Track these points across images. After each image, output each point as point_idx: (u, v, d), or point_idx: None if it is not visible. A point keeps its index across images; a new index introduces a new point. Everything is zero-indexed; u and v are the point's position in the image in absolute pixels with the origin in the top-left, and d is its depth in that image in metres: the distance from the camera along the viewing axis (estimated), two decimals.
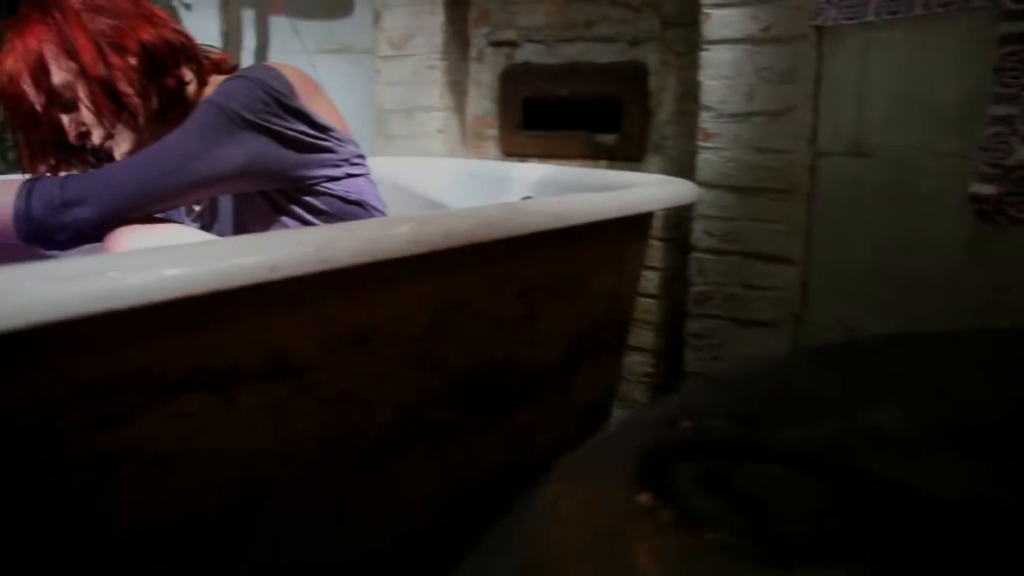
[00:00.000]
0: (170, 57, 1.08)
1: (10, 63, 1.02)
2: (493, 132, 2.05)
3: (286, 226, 1.10)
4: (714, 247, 1.65)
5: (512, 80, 1.98)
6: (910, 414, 0.36)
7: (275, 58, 2.19)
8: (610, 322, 1.33)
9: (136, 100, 1.05)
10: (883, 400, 0.38)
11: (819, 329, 1.55)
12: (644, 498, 0.29)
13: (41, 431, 0.56)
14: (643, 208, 1.12)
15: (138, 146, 1.07)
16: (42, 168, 1.08)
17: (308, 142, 1.06)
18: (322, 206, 1.11)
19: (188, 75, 1.11)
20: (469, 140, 2.10)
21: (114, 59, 1.03)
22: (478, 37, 2.04)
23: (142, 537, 0.68)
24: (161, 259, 0.54)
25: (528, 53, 1.96)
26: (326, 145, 1.09)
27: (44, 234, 0.96)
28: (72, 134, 1.05)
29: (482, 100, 2.06)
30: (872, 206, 1.43)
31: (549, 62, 1.92)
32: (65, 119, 1.05)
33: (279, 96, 1.02)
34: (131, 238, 0.96)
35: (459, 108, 2.08)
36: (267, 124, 1.01)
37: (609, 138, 1.86)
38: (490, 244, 0.84)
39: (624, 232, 1.22)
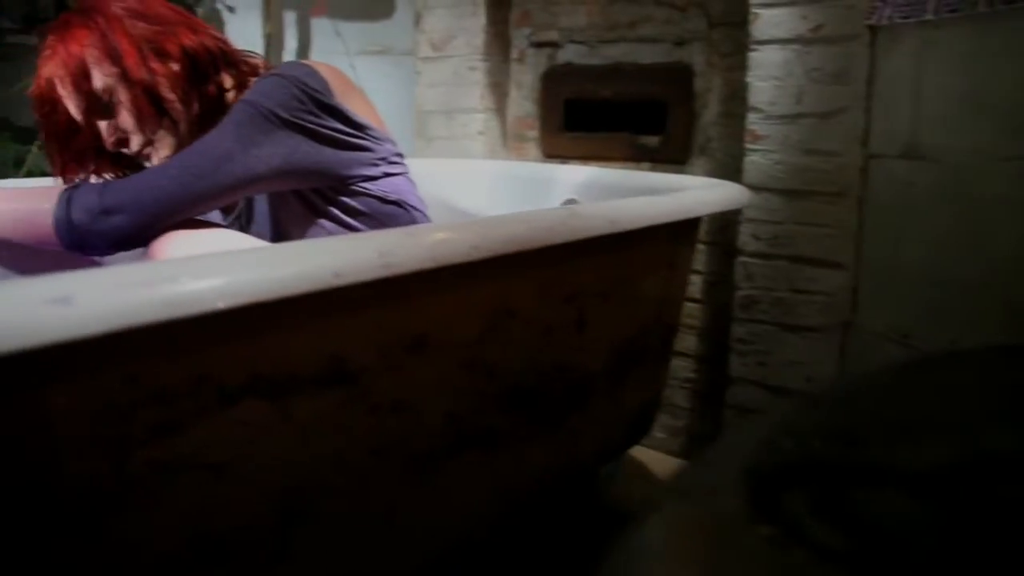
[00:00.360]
0: (211, 63, 1.07)
1: (51, 68, 1.01)
2: (534, 134, 2.03)
3: (324, 228, 1.08)
4: (761, 251, 1.62)
5: (554, 81, 1.96)
6: None
7: (317, 59, 2.19)
8: (658, 328, 1.31)
9: (178, 106, 1.04)
10: (999, 420, 0.36)
11: (869, 335, 1.52)
12: (765, 531, 0.27)
13: (107, 437, 0.56)
14: (696, 212, 1.10)
15: (176, 153, 1.06)
16: (75, 177, 1.07)
17: (344, 140, 1.04)
18: (359, 206, 1.09)
19: (228, 81, 1.10)
20: (509, 142, 2.08)
21: (156, 64, 1.03)
22: (519, 38, 2.02)
23: (197, 546, 0.67)
24: (228, 265, 0.53)
25: (570, 54, 1.94)
26: (363, 143, 1.07)
27: (84, 241, 0.96)
28: (109, 140, 1.04)
29: (523, 101, 2.04)
30: (927, 210, 1.39)
31: (592, 63, 1.90)
32: (103, 125, 1.04)
33: (314, 93, 1.00)
34: (175, 242, 0.95)
35: (499, 109, 2.06)
36: (302, 122, 0.99)
37: (653, 140, 1.84)
38: (544, 249, 0.83)
39: (674, 236, 1.20)
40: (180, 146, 1.05)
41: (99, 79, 1.01)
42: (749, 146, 1.60)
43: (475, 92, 2.00)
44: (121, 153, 1.08)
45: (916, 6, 1.32)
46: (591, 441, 1.25)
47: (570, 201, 1.66)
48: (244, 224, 1.21)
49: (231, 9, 2.18)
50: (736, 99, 1.71)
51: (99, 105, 1.02)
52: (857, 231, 1.51)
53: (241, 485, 0.67)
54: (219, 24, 2.21)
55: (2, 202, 1.01)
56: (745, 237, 1.64)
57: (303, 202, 1.08)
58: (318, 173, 1.04)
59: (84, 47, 1.01)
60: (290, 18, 2.19)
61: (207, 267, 0.52)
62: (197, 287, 0.49)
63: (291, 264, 0.55)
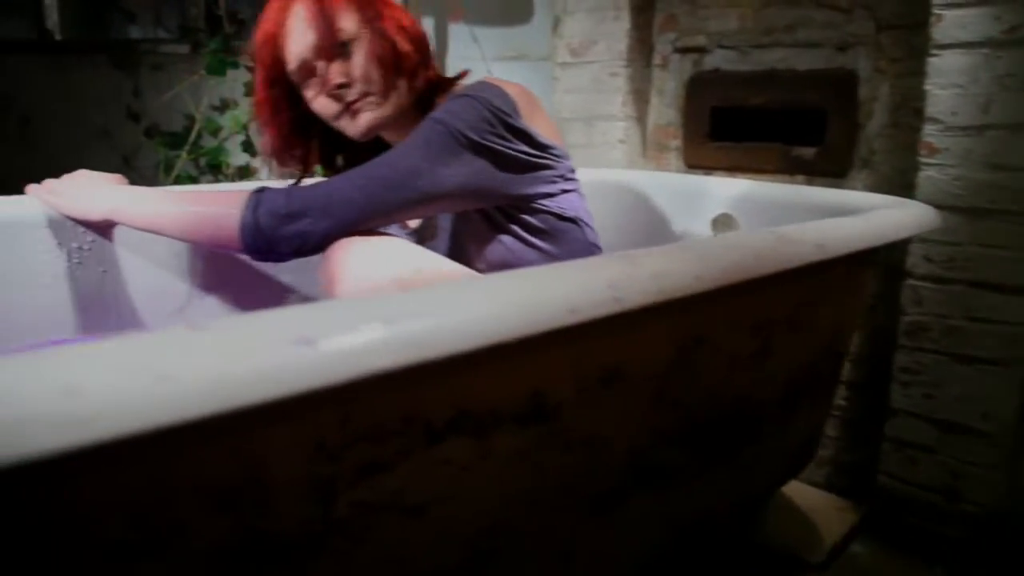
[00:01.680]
0: (428, 50, 1.10)
1: (299, 3, 1.03)
2: (676, 143, 1.95)
3: (503, 244, 1.06)
4: (934, 274, 1.49)
5: (699, 88, 1.88)
6: None
7: (453, 64, 2.17)
8: (830, 356, 1.22)
9: (412, 65, 1.06)
10: None
11: None
12: None
13: (318, 479, 0.52)
14: (893, 236, 1.00)
15: (379, 125, 1.07)
16: (284, 150, 1.10)
17: (529, 161, 1.03)
18: (538, 223, 1.06)
19: (434, 77, 1.12)
20: (649, 151, 2.01)
21: (403, 22, 1.07)
22: (663, 43, 1.95)
23: None
24: (466, 300, 0.48)
25: (718, 59, 1.85)
26: (545, 163, 1.05)
27: (268, 245, 0.95)
28: (332, 83, 1.03)
29: (665, 109, 1.96)
30: None
31: (742, 69, 1.80)
32: (332, 66, 1.03)
33: (503, 116, 0.98)
34: (353, 251, 0.92)
35: (640, 117, 1.99)
36: (490, 144, 0.98)
37: (808, 151, 1.73)
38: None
39: (857, 259, 1.11)
40: (393, 116, 1.07)
41: (348, 19, 1.02)
42: (924, 160, 1.48)
43: (616, 99, 1.94)
44: (328, 130, 1.10)
45: None
46: (759, 475, 1.17)
47: (723, 216, 1.57)
48: (424, 238, 1.19)
49: None
50: (905, 108, 1.59)
51: (337, 44, 1.02)
52: None
53: (438, 526, 0.63)
54: None
55: (189, 204, 1.01)
56: (915, 258, 1.51)
57: (484, 219, 1.07)
58: (500, 193, 1.03)
59: None
60: (427, 24, 2.18)
61: (450, 303, 0.47)
62: (441, 325, 0.44)
63: (525, 300, 0.49)
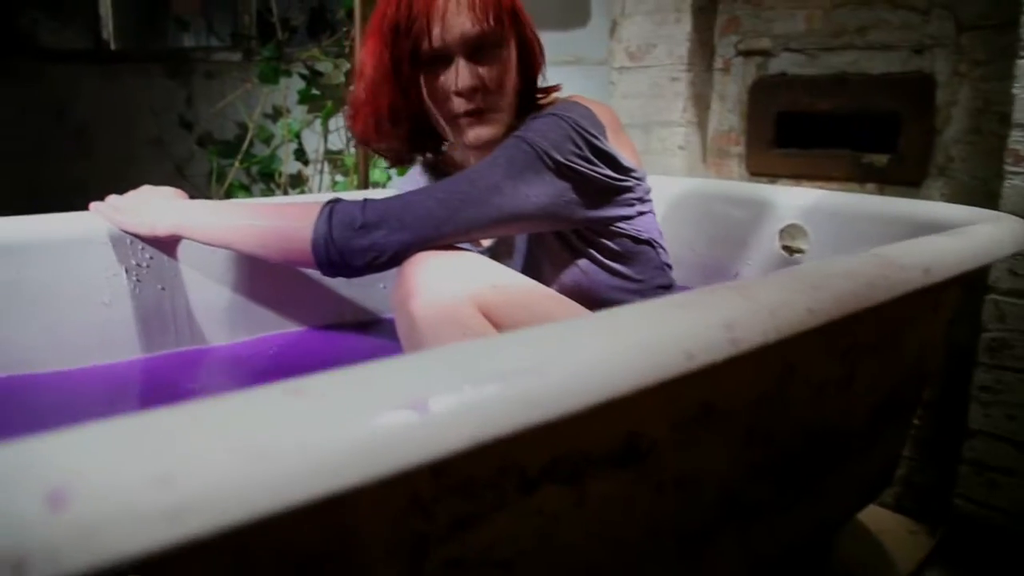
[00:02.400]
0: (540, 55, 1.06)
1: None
2: (738, 149, 1.89)
3: (580, 268, 1.02)
4: (1019, 288, 1.41)
5: (764, 93, 1.81)
6: None
7: None
8: (914, 379, 1.15)
9: (535, 74, 1.02)
10: None
11: None
12: None
13: (407, 536, 0.48)
14: (995, 256, 0.94)
15: (495, 140, 1.00)
16: (381, 145, 1.07)
17: (611, 185, 0.99)
18: (616, 247, 1.03)
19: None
20: (709, 157, 1.95)
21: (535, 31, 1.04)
22: (725, 46, 1.88)
23: None
24: (581, 350, 0.43)
25: (784, 63, 1.78)
26: (627, 186, 1.00)
27: (341, 258, 0.91)
28: (469, 82, 0.96)
29: (727, 114, 1.90)
30: None
31: (810, 73, 1.74)
32: (474, 66, 0.97)
33: (590, 138, 0.94)
34: (427, 266, 0.89)
35: (700, 123, 1.93)
36: (574, 166, 0.94)
37: (880, 158, 1.66)
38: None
39: (953, 279, 1.04)
40: (506, 133, 1.00)
41: (505, 17, 0.97)
42: (1010, 168, 1.40)
43: (676, 104, 1.88)
44: (419, 123, 1.04)
45: None
46: (839, 503, 1.11)
47: (792, 227, 1.51)
48: (498, 255, 1.15)
49: None
50: (988, 113, 1.51)
51: (490, 42, 0.97)
52: None
53: None
54: None
55: (260, 217, 0.98)
56: (999, 272, 1.43)
57: (561, 241, 1.03)
58: (580, 217, 0.99)
59: None
60: None
61: (565, 354, 0.42)
62: (562, 384, 0.40)
63: (643, 348, 0.45)
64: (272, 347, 1.21)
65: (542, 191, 0.92)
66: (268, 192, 2.43)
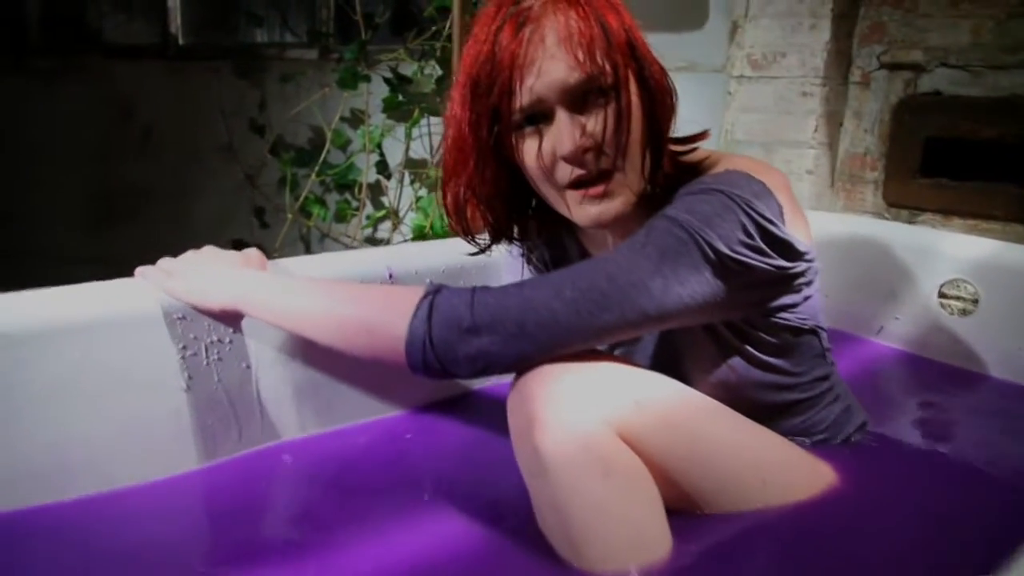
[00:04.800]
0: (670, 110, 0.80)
1: (551, 19, 0.74)
2: (874, 175, 1.66)
3: (733, 368, 0.82)
4: None
5: (911, 113, 1.58)
6: None
7: None
8: None
9: (662, 130, 0.78)
10: None
11: None
12: None
13: None
14: None
15: (624, 216, 0.79)
16: (475, 222, 0.86)
17: (783, 276, 0.78)
18: (775, 340, 0.83)
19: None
20: (839, 182, 1.72)
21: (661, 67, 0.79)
22: (865, 56, 1.65)
23: None
24: None
25: (939, 80, 1.55)
26: (798, 272, 0.80)
27: (441, 365, 0.73)
28: (580, 142, 0.75)
29: (863, 135, 1.67)
30: None
31: (972, 93, 1.50)
32: (582, 119, 0.75)
33: (766, 224, 0.73)
34: (556, 388, 0.71)
35: (831, 143, 1.71)
36: (745, 259, 0.73)
37: None
38: None
39: None
40: (629, 207, 0.78)
41: (613, 54, 0.74)
42: None
43: (808, 123, 1.66)
44: (519, 191, 0.84)
45: None
46: None
47: (956, 282, 1.29)
48: (626, 347, 0.96)
49: None
50: None
51: (596, 87, 0.74)
52: None
53: None
54: None
55: (341, 303, 0.80)
56: None
57: (709, 334, 0.83)
58: (739, 312, 0.80)
59: (605, 11, 0.74)
60: None
61: None
62: None
63: None
64: (361, 438, 1.05)
65: (698, 291, 0.72)
66: (345, 205, 2.26)
